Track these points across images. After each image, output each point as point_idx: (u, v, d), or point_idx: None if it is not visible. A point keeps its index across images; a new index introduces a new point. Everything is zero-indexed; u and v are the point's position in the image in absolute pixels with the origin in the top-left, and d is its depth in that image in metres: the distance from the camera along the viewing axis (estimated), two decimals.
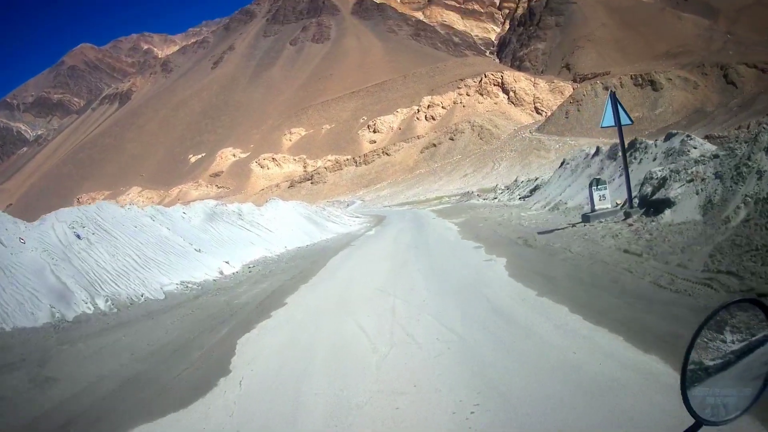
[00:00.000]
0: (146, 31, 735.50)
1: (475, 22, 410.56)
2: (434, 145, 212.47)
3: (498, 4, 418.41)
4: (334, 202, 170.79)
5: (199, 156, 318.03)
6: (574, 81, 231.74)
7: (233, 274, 20.59)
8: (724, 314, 2.14)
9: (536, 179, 50.74)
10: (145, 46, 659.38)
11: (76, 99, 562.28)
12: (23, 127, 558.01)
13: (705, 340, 2.08)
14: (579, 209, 24.65)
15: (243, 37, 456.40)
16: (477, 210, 42.50)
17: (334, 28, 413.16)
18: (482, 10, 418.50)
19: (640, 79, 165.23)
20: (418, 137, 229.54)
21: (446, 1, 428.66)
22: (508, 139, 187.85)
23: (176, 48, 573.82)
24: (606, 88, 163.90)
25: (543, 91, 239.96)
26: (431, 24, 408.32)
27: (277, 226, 32.70)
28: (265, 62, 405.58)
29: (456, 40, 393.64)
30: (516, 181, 60.34)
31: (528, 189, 46.61)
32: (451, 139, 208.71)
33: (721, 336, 2.14)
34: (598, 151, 31.78)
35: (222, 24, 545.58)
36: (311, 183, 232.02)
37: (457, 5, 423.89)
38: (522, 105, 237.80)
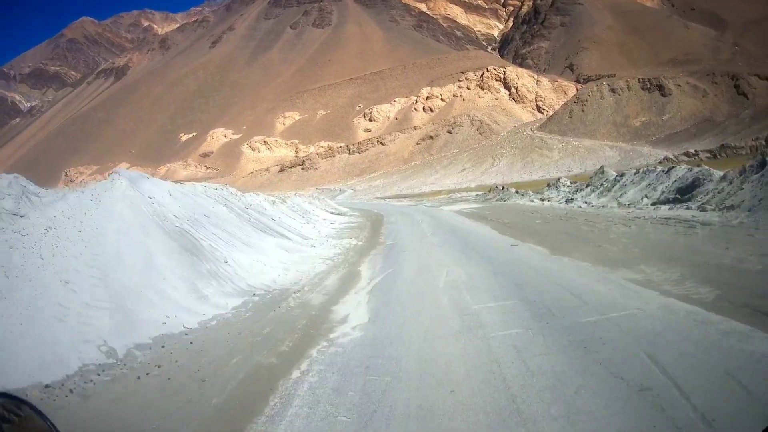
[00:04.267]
0: (148, 8, 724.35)
1: (479, 18, 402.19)
2: (431, 138, 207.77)
3: (503, 1, 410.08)
4: (324, 189, 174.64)
5: (191, 135, 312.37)
6: (577, 81, 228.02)
7: None
8: None
9: (669, 168, 29.54)
10: (146, 23, 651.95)
11: (72, 72, 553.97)
12: (18, 98, 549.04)
13: None
14: None
15: (243, 18, 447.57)
16: (634, 229, 19.31)
17: (336, 14, 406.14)
18: (486, 6, 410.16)
19: (648, 83, 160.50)
20: (415, 128, 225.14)
21: None
22: (508, 135, 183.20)
23: (176, 26, 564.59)
24: (612, 90, 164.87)
25: (546, 90, 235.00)
26: (434, 16, 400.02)
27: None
28: (264, 44, 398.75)
29: (458, 34, 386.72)
30: (603, 172, 38.20)
31: (665, 186, 27.35)
32: (449, 132, 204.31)
33: None
34: None
35: (224, 4, 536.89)
36: (302, 169, 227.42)
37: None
38: (523, 102, 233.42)
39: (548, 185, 47.76)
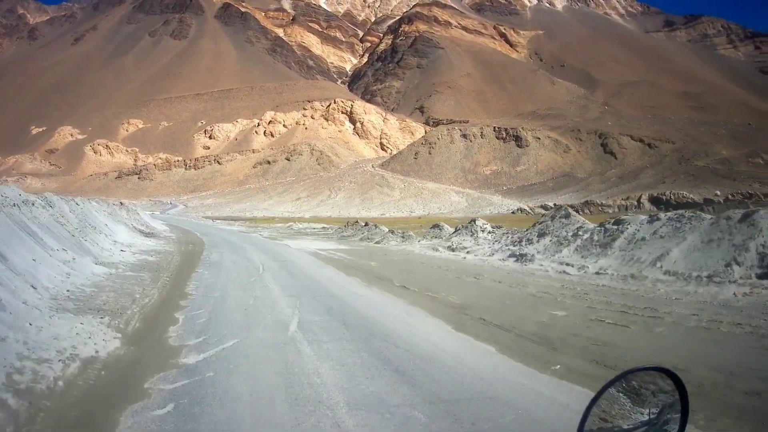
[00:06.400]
0: None
1: (333, 50, 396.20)
2: (269, 162, 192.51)
3: (361, 36, 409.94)
4: (157, 201, 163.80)
5: (41, 129, 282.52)
6: (427, 124, 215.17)
7: None
8: (633, 379, 2.45)
9: (744, 214, 13.33)
10: (21, 11, 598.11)
11: None
12: None
13: (608, 401, 2.42)
14: None
15: (108, 19, 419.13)
16: None
17: (194, 27, 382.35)
18: (343, 39, 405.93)
19: (504, 132, 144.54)
20: (254, 151, 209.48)
21: (309, 24, 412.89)
22: (348, 169, 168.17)
23: (47, 18, 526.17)
24: (464, 135, 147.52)
25: (392, 128, 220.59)
26: (289, 42, 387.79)
27: None
28: (122, 48, 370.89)
29: (310, 63, 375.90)
30: (568, 216, 21.14)
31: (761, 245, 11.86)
32: (288, 159, 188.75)
33: (626, 399, 2.43)
34: None
35: (92, 2, 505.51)
36: (138, 178, 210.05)
37: (320, 30, 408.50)
38: (368, 138, 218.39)
39: (438, 228, 32.42)
